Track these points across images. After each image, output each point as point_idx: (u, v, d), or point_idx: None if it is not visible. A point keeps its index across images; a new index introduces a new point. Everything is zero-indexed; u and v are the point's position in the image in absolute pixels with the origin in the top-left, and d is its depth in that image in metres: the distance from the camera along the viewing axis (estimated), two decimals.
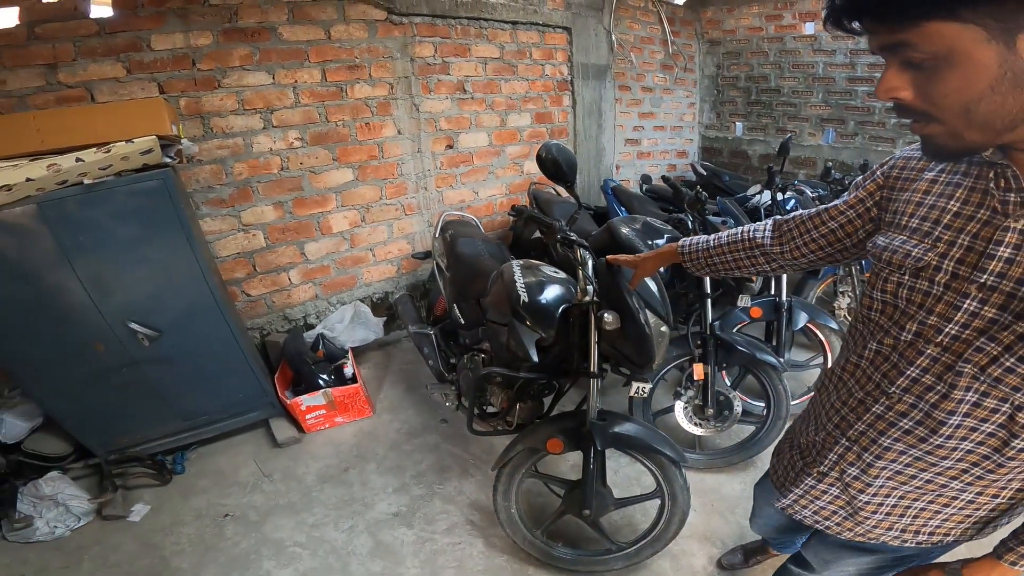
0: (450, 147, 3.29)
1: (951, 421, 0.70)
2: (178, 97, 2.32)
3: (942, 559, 0.85)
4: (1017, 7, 0.49)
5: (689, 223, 2.28)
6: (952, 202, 0.70)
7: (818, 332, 2.56)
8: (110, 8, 2.08)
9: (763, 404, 2.25)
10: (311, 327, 2.98)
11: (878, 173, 0.87)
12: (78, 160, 1.72)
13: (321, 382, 2.51)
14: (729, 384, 2.31)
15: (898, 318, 0.76)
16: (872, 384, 0.79)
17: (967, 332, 0.67)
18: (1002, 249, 0.63)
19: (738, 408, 2.16)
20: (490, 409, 2.06)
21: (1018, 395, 0.64)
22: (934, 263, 0.70)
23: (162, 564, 1.86)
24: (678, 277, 2.36)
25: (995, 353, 0.64)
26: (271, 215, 2.74)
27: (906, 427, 0.75)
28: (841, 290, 3.10)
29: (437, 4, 2.93)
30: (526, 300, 1.70)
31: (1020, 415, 0.65)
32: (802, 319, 2.49)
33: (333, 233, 2.98)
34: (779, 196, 2.70)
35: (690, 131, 4.87)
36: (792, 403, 2.23)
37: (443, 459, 2.34)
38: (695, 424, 2.20)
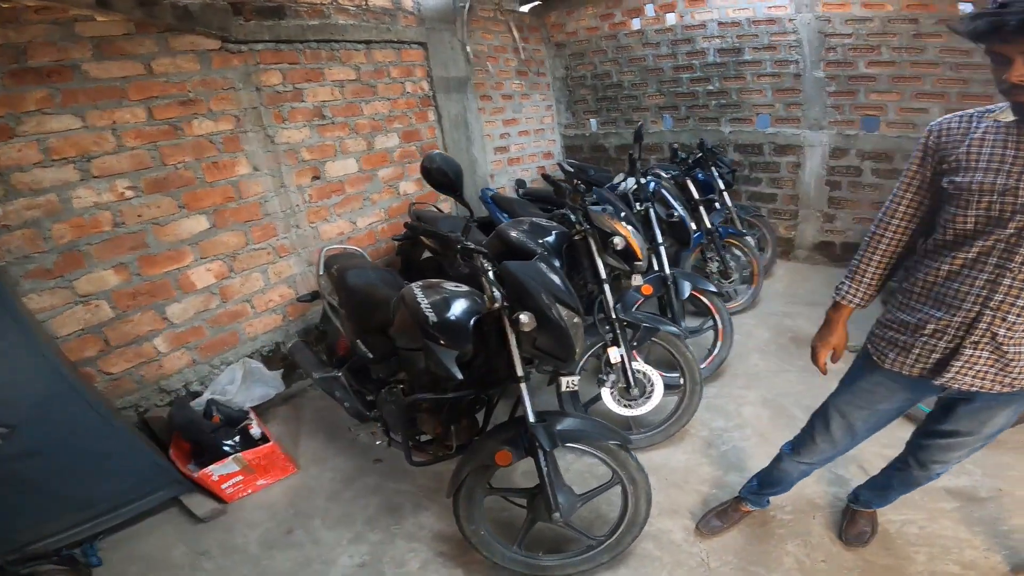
0: (317, 178, 3.08)
1: None
2: None
3: None
4: None
5: (572, 217, 2.34)
6: (1007, 150, 1.06)
7: (703, 297, 2.80)
8: None
9: (677, 374, 2.37)
10: (197, 394, 2.60)
11: (920, 146, 1.23)
12: None
13: (227, 448, 2.26)
14: (643, 361, 2.41)
15: (995, 223, 1.07)
16: (991, 267, 1.09)
17: None
18: None
19: (659, 383, 2.26)
20: (423, 438, 1.98)
21: None
22: (1012, 185, 1.03)
23: None
24: (574, 269, 2.42)
25: None
26: (114, 280, 2.33)
27: None
28: (709, 256, 3.45)
29: (281, 29, 2.75)
30: (435, 319, 1.63)
31: None
32: (687, 288, 2.71)
33: (198, 290, 2.63)
34: (642, 180, 2.93)
35: (551, 132, 5.10)
36: (701, 366, 2.39)
37: (390, 498, 2.22)
38: (625, 406, 2.26)
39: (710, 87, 4.18)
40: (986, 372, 1.15)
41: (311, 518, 2.16)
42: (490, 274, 1.62)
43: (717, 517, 1.89)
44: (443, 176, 1.56)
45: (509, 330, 1.58)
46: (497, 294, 1.58)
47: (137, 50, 2.29)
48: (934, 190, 1.22)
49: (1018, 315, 1.09)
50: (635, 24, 4.33)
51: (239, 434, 2.37)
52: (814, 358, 1.49)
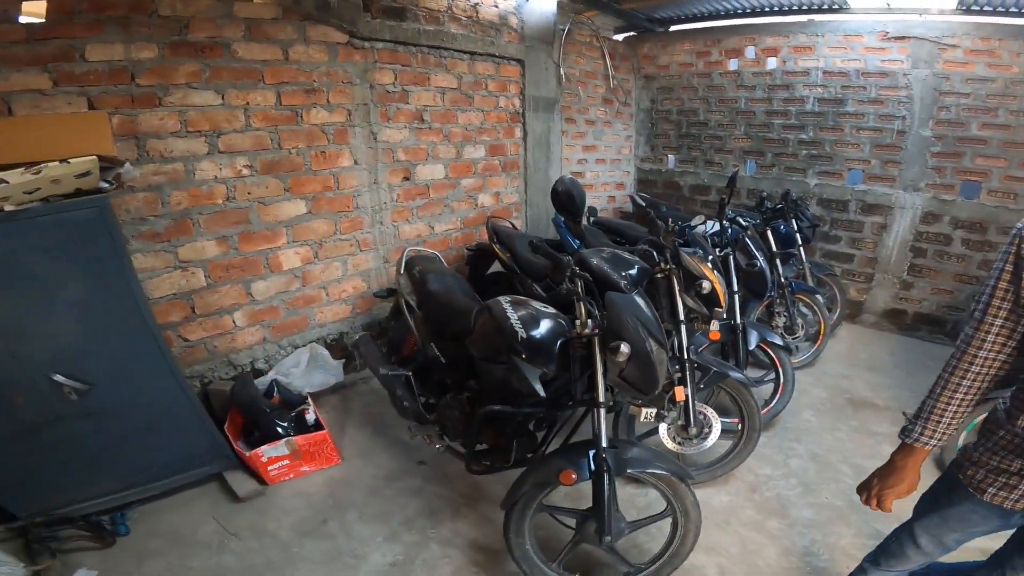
0: (407, 179, 3.19)
1: None
2: (111, 114, 2.04)
3: None
4: None
5: (656, 255, 2.33)
6: None
7: (768, 350, 2.75)
8: (43, 18, 1.84)
9: (734, 420, 2.36)
10: (260, 373, 2.68)
11: (1008, 256, 1.02)
12: (1, 182, 1.45)
13: (280, 430, 2.30)
14: (708, 406, 2.38)
15: None
16: None
17: None
18: None
19: (717, 425, 2.24)
20: (479, 447, 2.00)
21: None
22: None
23: None
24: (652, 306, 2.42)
25: None
26: (213, 251, 2.46)
27: None
28: (777, 311, 3.38)
29: (400, 31, 2.89)
30: (524, 335, 1.66)
31: None
32: (755, 339, 2.68)
33: (283, 271, 2.74)
34: (726, 225, 2.91)
35: (627, 164, 5.10)
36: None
37: (430, 502, 2.23)
38: (678, 443, 2.26)
39: (803, 136, 4.12)
40: None
41: (347, 511, 2.16)
42: (589, 301, 1.67)
43: None
44: (569, 199, 1.61)
45: (598, 356, 1.61)
46: (590, 321, 1.62)
47: (279, 35, 2.45)
48: None
49: None
50: (732, 65, 4.33)
51: (294, 418, 2.41)
52: (877, 502, 1.28)
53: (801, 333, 3.41)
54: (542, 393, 1.64)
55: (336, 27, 2.62)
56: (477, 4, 3.29)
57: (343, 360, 2.90)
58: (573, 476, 1.59)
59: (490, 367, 1.78)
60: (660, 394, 2.22)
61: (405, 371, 2.33)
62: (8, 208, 1.50)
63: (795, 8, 3.81)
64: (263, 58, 2.41)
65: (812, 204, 4.13)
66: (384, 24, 2.81)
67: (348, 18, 2.63)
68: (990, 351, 1.06)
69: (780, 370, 2.76)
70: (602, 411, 1.63)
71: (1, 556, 1.72)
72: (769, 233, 3.29)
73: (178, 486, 2.16)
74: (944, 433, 1.14)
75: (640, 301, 1.72)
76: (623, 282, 2.22)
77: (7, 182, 1.46)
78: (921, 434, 1.16)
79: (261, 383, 2.58)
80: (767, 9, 3.93)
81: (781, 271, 3.24)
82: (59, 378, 1.75)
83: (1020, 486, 1.07)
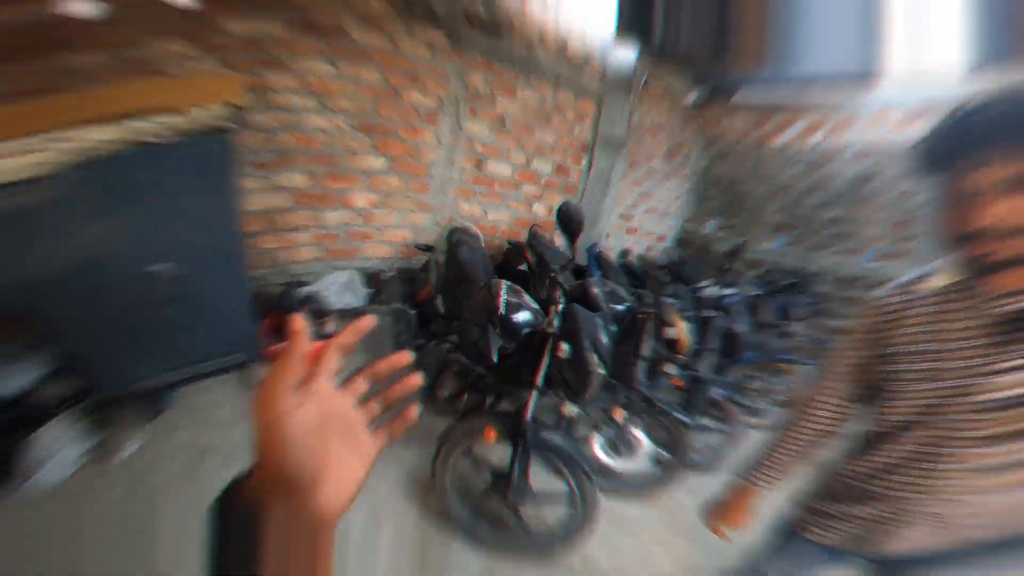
0: (478, 167, 3.65)
1: None
2: (245, 73, 2.53)
3: None
4: None
5: (647, 299, 2.65)
6: (940, 325, 0.92)
7: (728, 405, 3.03)
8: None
9: (670, 454, 2.62)
10: (304, 284, 3.15)
11: (859, 328, 1.09)
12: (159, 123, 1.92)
13: None
14: (644, 433, 2.67)
15: (929, 414, 0.94)
16: (930, 457, 0.96)
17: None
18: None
19: (646, 451, 2.54)
20: (443, 392, 2.45)
21: None
22: (945, 368, 0.90)
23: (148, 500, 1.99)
24: (628, 339, 2.76)
25: None
26: (303, 182, 2.98)
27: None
28: (759, 374, 3.59)
29: (495, 46, 3.33)
30: (502, 312, 2.10)
31: None
32: (716, 393, 2.93)
33: (352, 207, 3.27)
34: (724, 291, 3.20)
35: (673, 219, 5.23)
36: (699, 457, 2.69)
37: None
38: (607, 456, 2.58)
39: (830, 214, 4.15)
40: (929, 539, 1.03)
41: None
42: (559, 306, 2.08)
43: None
44: (569, 220, 2.01)
45: (548, 350, 2.01)
46: (556, 322, 2.04)
47: (391, 29, 2.93)
48: (870, 379, 1.08)
49: (960, 494, 0.95)
50: (781, 139, 4.39)
51: (317, 327, 2.76)
52: (711, 528, 1.38)
53: (779, 399, 3.60)
54: (494, 359, 2.07)
55: (441, 31, 3.10)
56: (567, 39, 3.67)
57: (372, 291, 3.36)
58: (494, 435, 1.98)
59: (472, 327, 2.19)
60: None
61: (412, 309, 2.80)
62: (155, 140, 1.92)
63: (836, 79, 3.79)
64: (374, 44, 2.90)
65: (828, 280, 4.13)
66: (482, 37, 3.26)
67: (452, 27, 3.11)
68: (824, 412, 1.17)
69: (732, 422, 2.98)
70: (535, 393, 2.00)
71: (76, 432, 2.04)
72: (768, 305, 3.47)
73: (217, 369, 2.50)
74: (772, 478, 1.26)
75: (599, 322, 2.09)
76: (606, 310, 2.62)
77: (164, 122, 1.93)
78: (757, 478, 1.28)
79: (302, 292, 2.99)
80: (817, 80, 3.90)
81: (771, 341, 3.44)
82: (161, 267, 2.07)
83: (837, 527, 1.16)
